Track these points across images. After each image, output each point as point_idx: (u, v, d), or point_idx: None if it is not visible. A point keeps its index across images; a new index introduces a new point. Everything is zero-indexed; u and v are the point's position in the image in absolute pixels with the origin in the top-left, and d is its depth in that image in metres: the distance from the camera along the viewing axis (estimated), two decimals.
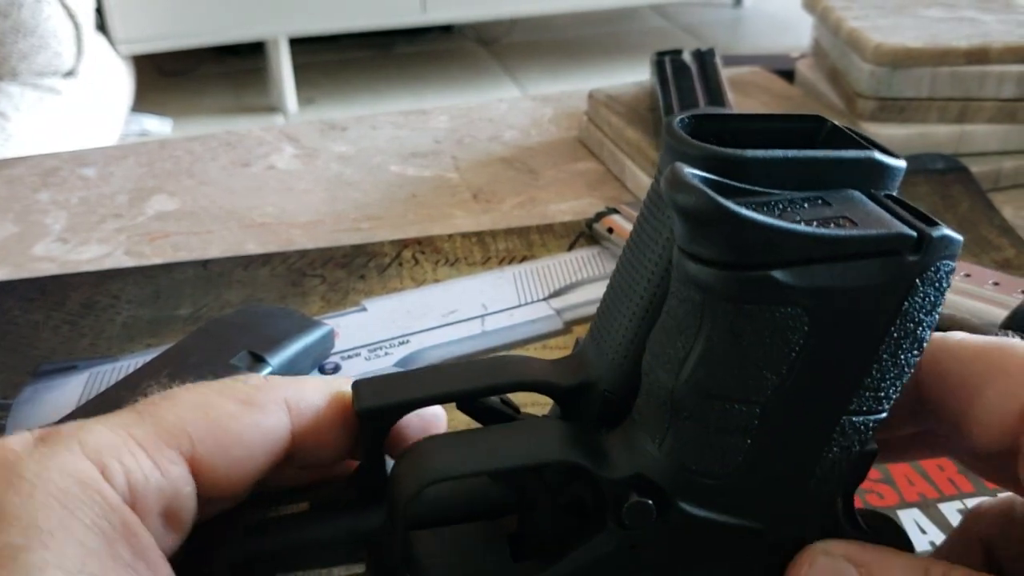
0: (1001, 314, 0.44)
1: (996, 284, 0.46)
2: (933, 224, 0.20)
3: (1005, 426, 0.22)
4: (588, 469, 0.22)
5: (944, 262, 0.20)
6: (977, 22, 0.67)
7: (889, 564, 0.22)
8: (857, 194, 0.21)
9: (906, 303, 0.20)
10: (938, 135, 0.64)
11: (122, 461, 0.21)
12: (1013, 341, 0.23)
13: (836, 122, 0.23)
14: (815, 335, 0.20)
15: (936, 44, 0.63)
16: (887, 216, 0.20)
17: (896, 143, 0.63)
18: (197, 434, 0.23)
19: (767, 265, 0.19)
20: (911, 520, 0.37)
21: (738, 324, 0.20)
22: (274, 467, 0.24)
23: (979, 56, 0.63)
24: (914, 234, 0.20)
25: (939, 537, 0.36)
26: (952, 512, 0.37)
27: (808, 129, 0.23)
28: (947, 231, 0.20)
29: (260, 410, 0.24)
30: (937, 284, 0.20)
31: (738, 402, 0.21)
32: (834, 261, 0.19)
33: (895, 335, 0.21)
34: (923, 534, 0.36)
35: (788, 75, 0.76)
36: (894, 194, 0.22)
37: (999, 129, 0.64)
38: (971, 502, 0.38)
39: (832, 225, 0.20)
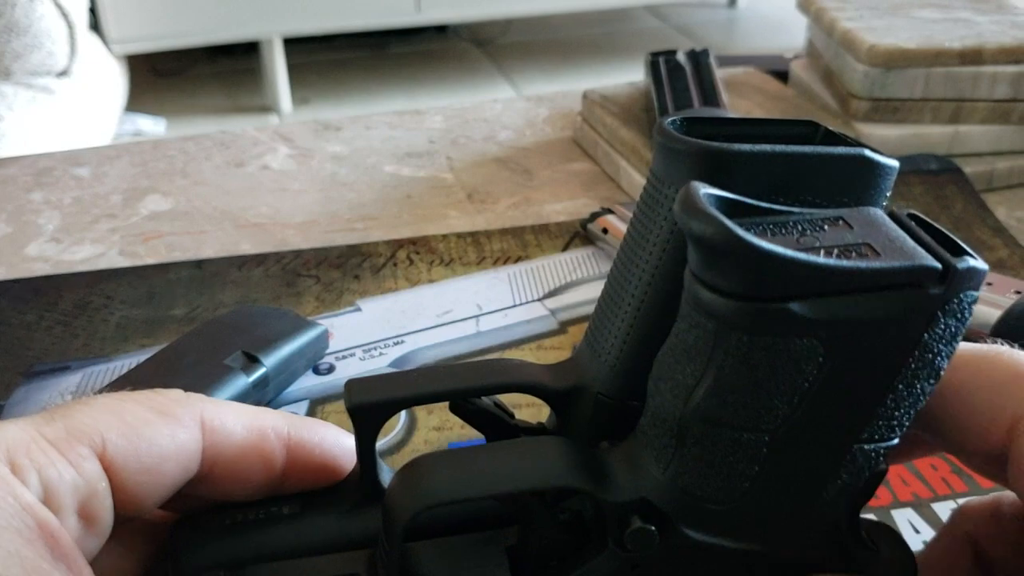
0: (994, 314, 0.44)
1: (989, 284, 0.46)
2: (958, 253, 0.19)
3: (993, 437, 0.22)
4: (591, 494, 0.22)
5: (967, 293, 0.19)
6: (971, 23, 0.67)
7: None
8: (879, 214, 0.21)
9: (926, 335, 0.20)
10: (932, 136, 0.64)
11: (33, 458, 0.21)
12: (999, 349, 0.23)
13: (830, 127, 0.23)
14: (830, 366, 0.19)
15: (930, 45, 0.63)
16: (910, 243, 0.20)
17: (890, 144, 0.63)
18: (109, 434, 0.22)
19: (785, 297, 0.18)
20: (905, 520, 0.37)
21: (751, 355, 0.19)
22: (191, 489, 0.24)
23: (972, 57, 0.63)
24: (938, 266, 0.19)
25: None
26: (946, 512, 0.37)
27: (803, 134, 0.23)
28: (972, 262, 0.19)
29: (175, 421, 0.23)
30: (959, 315, 0.20)
31: (747, 431, 0.20)
32: (854, 293, 0.19)
33: (912, 366, 0.20)
34: (916, 534, 0.36)
35: (782, 76, 0.76)
36: (917, 214, 0.21)
37: (992, 130, 0.64)
38: (964, 502, 0.38)
39: (853, 254, 0.19)
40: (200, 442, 0.24)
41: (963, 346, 0.23)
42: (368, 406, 0.23)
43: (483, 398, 0.25)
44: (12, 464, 0.21)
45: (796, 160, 0.21)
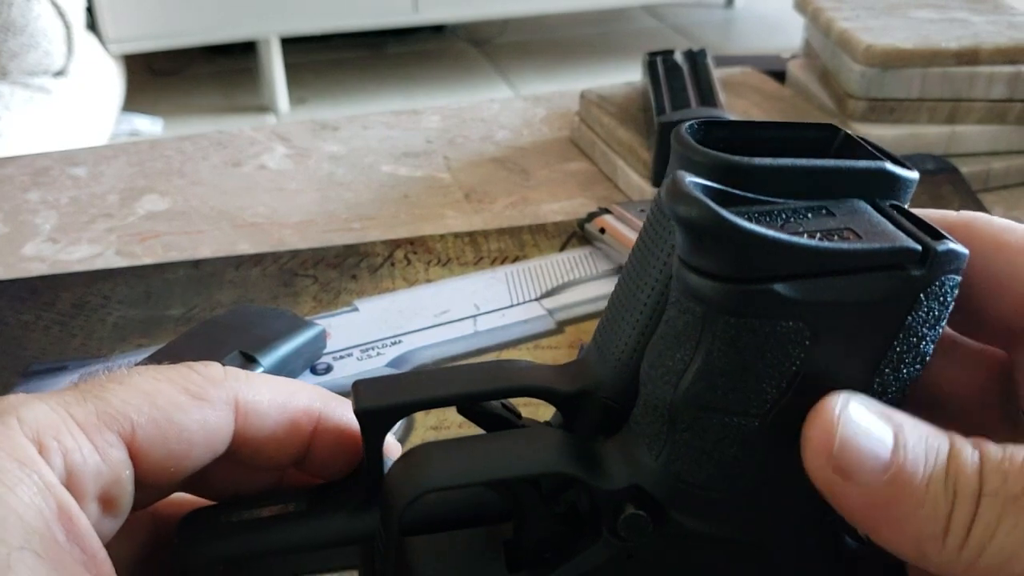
0: None
1: None
2: (939, 237, 0.20)
3: None
4: (584, 481, 0.22)
5: (949, 276, 0.20)
6: (967, 23, 0.67)
7: (918, 426, 0.20)
8: (862, 204, 0.21)
9: (909, 317, 0.20)
10: (928, 136, 0.64)
11: (60, 440, 0.21)
12: None
13: (849, 132, 0.23)
14: (816, 349, 0.20)
15: (926, 45, 0.63)
16: (892, 228, 0.20)
17: (886, 144, 0.63)
18: (139, 420, 0.22)
19: (769, 279, 0.19)
20: None
21: (739, 338, 0.19)
22: (214, 463, 0.24)
23: (969, 57, 0.63)
24: (918, 248, 0.19)
25: None
26: None
27: (821, 139, 0.23)
28: (952, 245, 0.20)
29: (209, 405, 0.23)
30: (942, 298, 0.20)
31: (737, 415, 0.20)
32: (837, 275, 0.19)
33: (897, 349, 0.20)
34: None
35: (779, 76, 0.77)
36: (899, 204, 0.21)
37: (989, 130, 0.64)
38: None
39: (836, 238, 0.20)
40: (231, 425, 0.24)
41: (997, 220, 0.22)
42: (376, 411, 0.23)
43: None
44: (39, 444, 0.21)
45: (816, 173, 0.21)
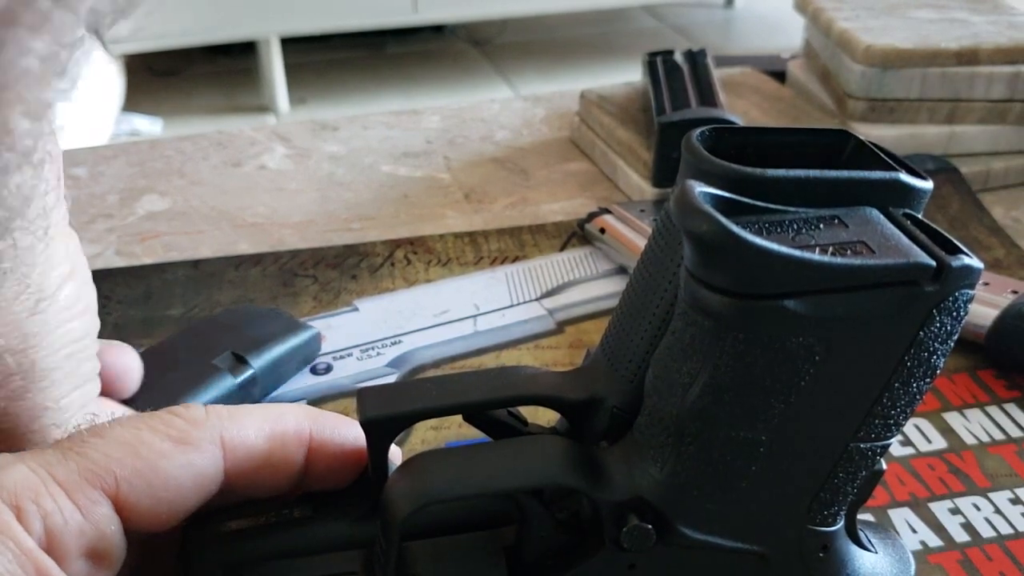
0: (991, 314, 0.44)
1: (986, 284, 0.46)
2: (953, 251, 0.19)
3: None
4: (587, 493, 0.22)
5: (963, 291, 0.19)
6: (967, 23, 0.67)
7: None
8: (875, 213, 0.21)
9: (921, 332, 0.20)
10: (928, 136, 0.64)
11: (40, 503, 0.21)
12: None
13: (862, 138, 0.22)
14: (826, 364, 0.19)
15: (926, 45, 0.63)
16: (905, 241, 0.20)
17: (886, 144, 0.63)
18: (123, 473, 0.22)
19: (780, 295, 0.19)
20: (902, 519, 0.37)
21: (748, 353, 0.19)
22: (208, 501, 0.24)
23: (969, 57, 0.63)
24: (933, 263, 0.19)
25: (930, 536, 0.36)
26: (943, 511, 0.37)
27: (833, 145, 0.23)
28: (967, 260, 0.19)
29: (194, 449, 0.23)
30: (955, 313, 0.20)
31: (744, 429, 0.20)
32: (849, 291, 0.19)
33: (908, 364, 0.20)
34: (914, 533, 0.36)
35: (779, 76, 0.76)
36: (913, 213, 0.21)
37: (988, 130, 0.64)
38: (961, 501, 0.38)
39: (848, 252, 0.19)
40: (220, 463, 0.24)
41: None
42: (381, 420, 0.23)
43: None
44: (17, 508, 0.21)
45: (829, 184, 0.21)
